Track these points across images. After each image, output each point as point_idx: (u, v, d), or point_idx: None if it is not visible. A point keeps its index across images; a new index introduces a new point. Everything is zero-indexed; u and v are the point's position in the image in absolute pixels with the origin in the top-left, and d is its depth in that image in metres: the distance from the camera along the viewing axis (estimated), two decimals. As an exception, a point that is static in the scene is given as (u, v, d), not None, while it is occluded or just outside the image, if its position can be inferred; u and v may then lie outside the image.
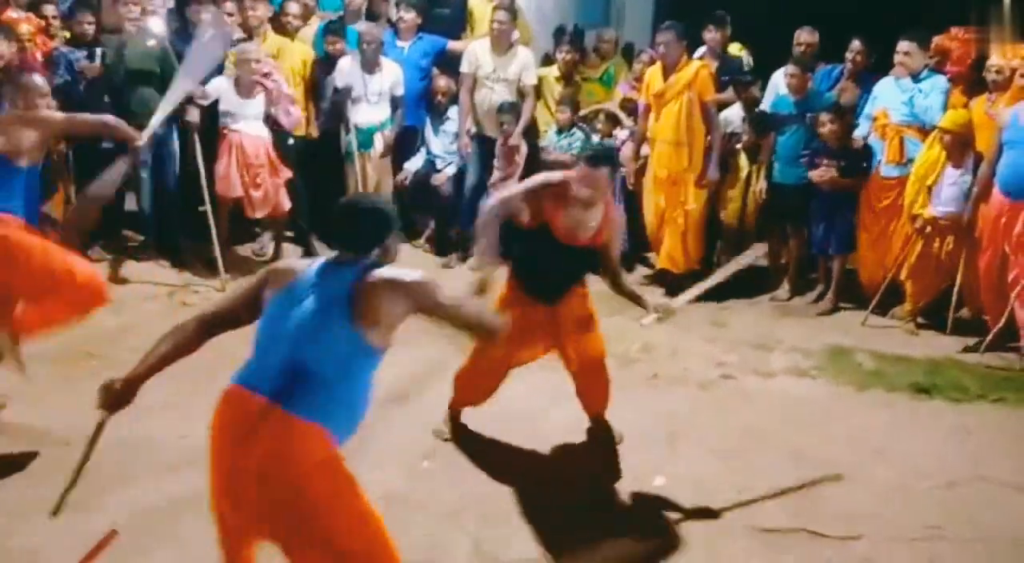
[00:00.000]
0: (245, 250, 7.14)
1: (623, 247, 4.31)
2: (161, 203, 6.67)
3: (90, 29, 6.45)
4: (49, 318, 4.41)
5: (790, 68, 6.53)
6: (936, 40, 6.39)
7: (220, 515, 2.68)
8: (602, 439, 4.37)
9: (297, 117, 6.77)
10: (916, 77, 6.18)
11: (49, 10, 6.53)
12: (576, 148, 6.98)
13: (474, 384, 4.31)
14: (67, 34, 6.54)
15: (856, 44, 6.63)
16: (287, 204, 6.73)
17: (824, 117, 6.25)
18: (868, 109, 6.39)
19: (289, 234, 7.19)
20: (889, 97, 6.27)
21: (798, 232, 6.62)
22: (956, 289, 5.99)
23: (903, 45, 6.19)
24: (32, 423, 4.36)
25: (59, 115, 4.59)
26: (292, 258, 6.47)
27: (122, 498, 3.81)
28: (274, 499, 2.54)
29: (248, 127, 6.55)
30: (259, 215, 6.76)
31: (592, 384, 4.30)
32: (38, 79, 4.53)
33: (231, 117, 6.55)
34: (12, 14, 6.15)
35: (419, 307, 2.64)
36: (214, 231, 6.36)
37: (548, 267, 4.10)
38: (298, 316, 2.62)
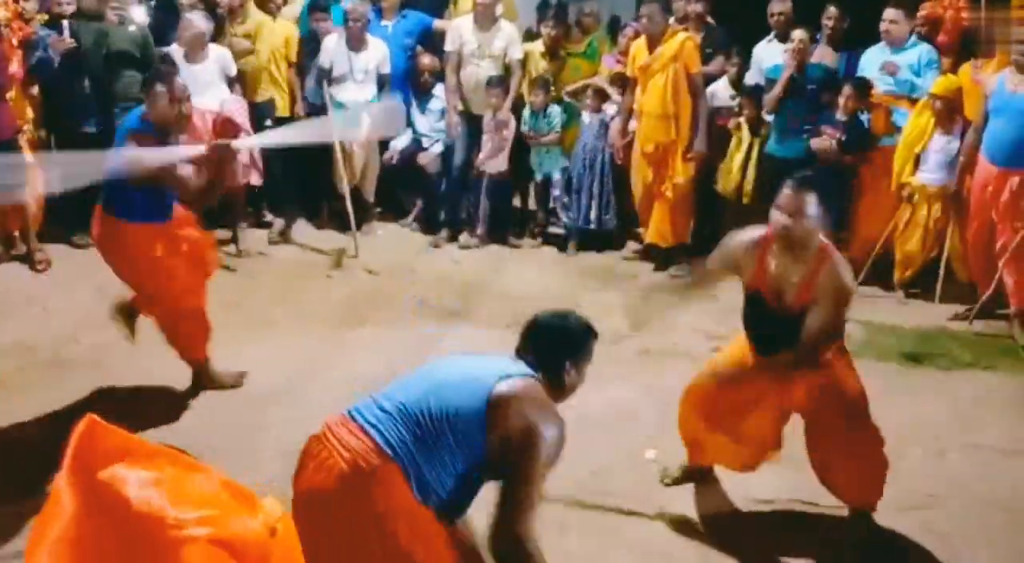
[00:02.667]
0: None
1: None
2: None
3: (68, 9, 6.39)
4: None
5: (799, 32, 6.33)
6: (927, 7, 6.35)
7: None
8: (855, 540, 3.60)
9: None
10: (901, 46, 6.17)
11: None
12: (556, 126, 6.97)
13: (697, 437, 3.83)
14: (45, 16, 6.47)
15: (832, 10, 6.58)
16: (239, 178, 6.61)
17: (847, 89, 6.08)
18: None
19: (272, 218, 7.18)
20: (875, 68, 6.24)
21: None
22: (944, 257, 6.00)
23: (890, 12, 6.16)
24: (25, 412, 4.35)
25: None
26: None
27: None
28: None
29: (198, 98, 6.40)
30: None
31: (836, 459, 3.54)
32: None
33: None
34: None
35: (514, 453, 2.46)
36: None
37: (770, 334, 3.50)
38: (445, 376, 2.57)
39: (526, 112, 7.04)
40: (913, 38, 6.22)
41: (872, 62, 6.29)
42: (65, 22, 6.31)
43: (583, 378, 2.72)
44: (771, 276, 3.41)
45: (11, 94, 6.02)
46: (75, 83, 6.34)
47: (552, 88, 7.04)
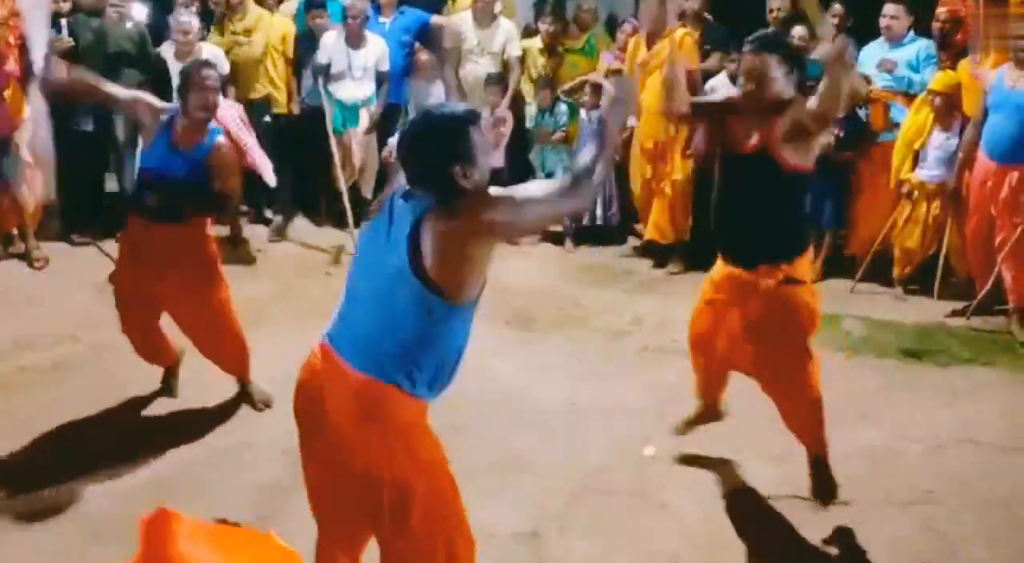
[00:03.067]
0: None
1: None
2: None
3: (65, 7, 6.39)
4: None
5: (799, 29, 6.32)
6: (948, 6, 6.31)
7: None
8: (820, 489, 3.67)
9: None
10: (900, 41, 6.17)
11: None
12: (563, 124, 6.97)
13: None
14: (42, 14, 6.47)
15: (837, 7, 6.58)
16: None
17: None
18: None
19: (270, 215, 7.17)
20: (874, 64, 6.23)
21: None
22: (943, 254, 6.00)
23: (890, 8, 6.15)
24: (25, 412, 4.35)
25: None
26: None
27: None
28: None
29: None
30: None
31: (793, 414, 3.63)
32: None
33: None
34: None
35: (489, 234, 2.34)
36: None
37: (734, 200, 3.36)
38: (369, 263, 2.47)
39: (532, 109, 7.03)
40: (911, 34, 6.21)
41: (870, 58, 6.28)
42: (63, 20, 6.30)
43: (484, 164, 2.43)
44: (743, 127, 3.26)
45: (8, 92, 6.02)
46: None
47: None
